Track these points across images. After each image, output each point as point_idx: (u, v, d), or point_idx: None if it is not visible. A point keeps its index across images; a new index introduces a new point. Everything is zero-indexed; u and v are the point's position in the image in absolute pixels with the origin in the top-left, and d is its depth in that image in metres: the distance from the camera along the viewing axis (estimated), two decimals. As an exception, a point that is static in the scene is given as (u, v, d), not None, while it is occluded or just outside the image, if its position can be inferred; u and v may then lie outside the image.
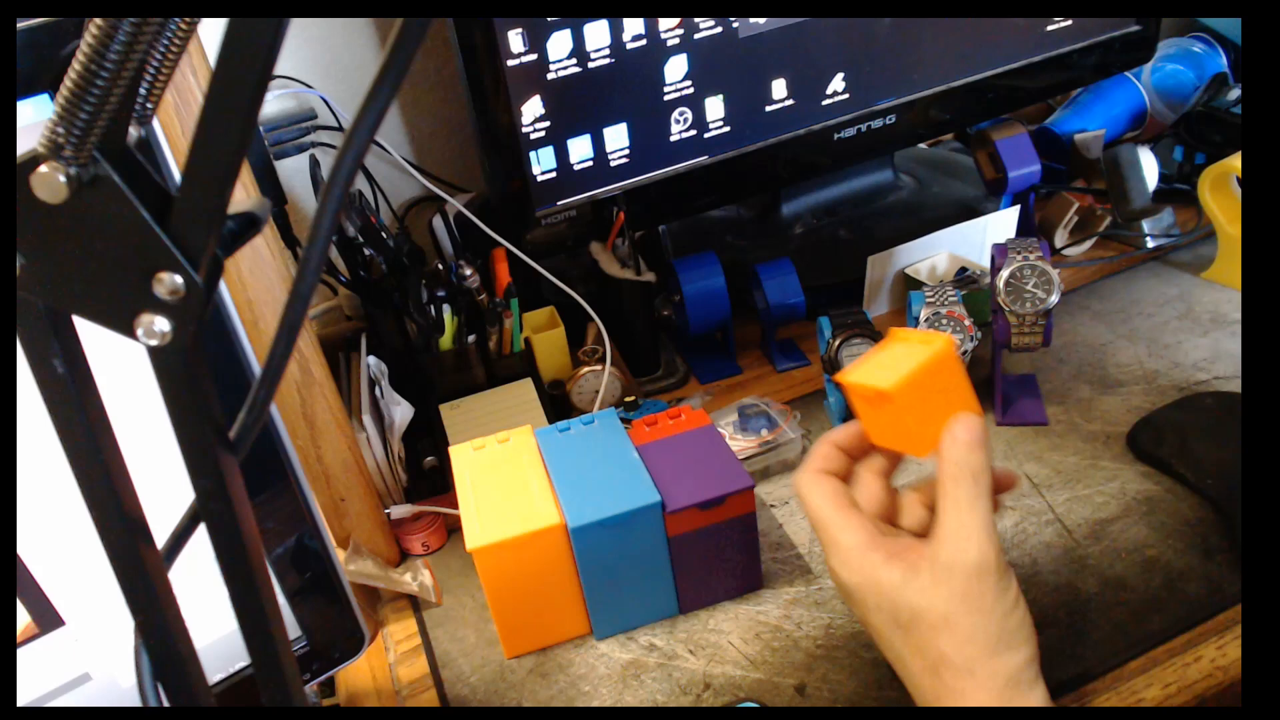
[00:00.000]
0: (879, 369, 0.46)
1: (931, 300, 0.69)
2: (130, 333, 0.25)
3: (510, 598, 0.57)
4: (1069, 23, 0.88)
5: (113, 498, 0.29)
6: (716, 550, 0.58)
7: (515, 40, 0.70)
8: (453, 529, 0.71)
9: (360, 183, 0.84)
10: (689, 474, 0.57)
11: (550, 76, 0.72)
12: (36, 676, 0.45)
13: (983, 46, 0.87)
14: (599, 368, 0.77)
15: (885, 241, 0.84)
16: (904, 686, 0.45)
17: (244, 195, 0.53)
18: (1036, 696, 0.42)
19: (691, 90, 0.77)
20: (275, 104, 0.79)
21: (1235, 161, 0.78)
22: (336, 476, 0.62)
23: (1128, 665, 0.52)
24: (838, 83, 0.83)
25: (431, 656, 0.61)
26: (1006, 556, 0.43)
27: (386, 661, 0.62)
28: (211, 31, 0.24)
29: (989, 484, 0.43)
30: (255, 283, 0.54)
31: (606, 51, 0.73)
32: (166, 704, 0.33)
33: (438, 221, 0.83)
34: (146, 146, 0.25)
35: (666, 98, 0.77)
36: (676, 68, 0.76)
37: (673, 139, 0.79)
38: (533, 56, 0.71)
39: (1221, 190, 0.79)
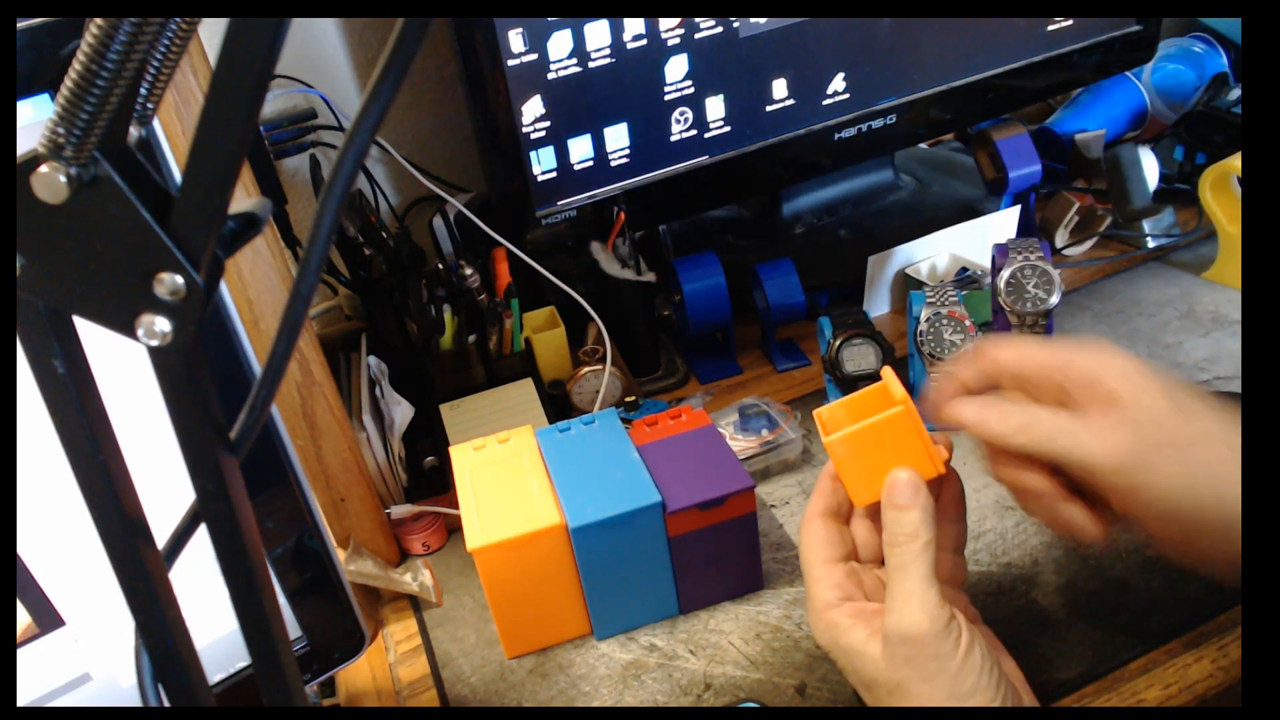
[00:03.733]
0: (853, 409, 0.49)
1: (932, 300, 0.68)
2: (130, 333, 0.25)
3: (510, 598, 0.57)
4: (1069, 23, 0.88)
5: (113, 498, 0.29)
6: (717, 550, 0.58)
7: (515, 40, 0.70)
8: (453, 529, 0.71)
9: (360, 183, 0.84)
10: (689, 474, 0.57)
11: (550, 76, 0.72)
12: (36, 676, 0.45)
13: (983, 46, 0.87)
14: (599, 368, 0.77)
15: (885, 241, 0.84)
16: None
17: (244, 195, 0.53)
18: None
19: (692, 90, 0.77)
20: (275, 104, 0.79)
21: (1235, 161, 0.78)
22: (336, 476, 0.62)
23: (1128, 665, 0.52)
24: (838, 83, 0.83)
25: (431, 656, 0.61)
26: (946, 614, 0.42)
27: (386, 661, 0.62)
28: (211, 31, 0.24)
29: (926, 542, 0.43)
30: (255, 283, 0.54)
31: (607, 51, 0.73)
32: (166, 704, 0.33)
33: (438, 221, 0.83)
34: (146, 146, 0.25)
35: (667, 98, 0.77)
36: (677, 68, 0.76)
37: (673, 139, 0.79)
38: (533, 56, 0.71)
39: (1222, 190, 0.79)
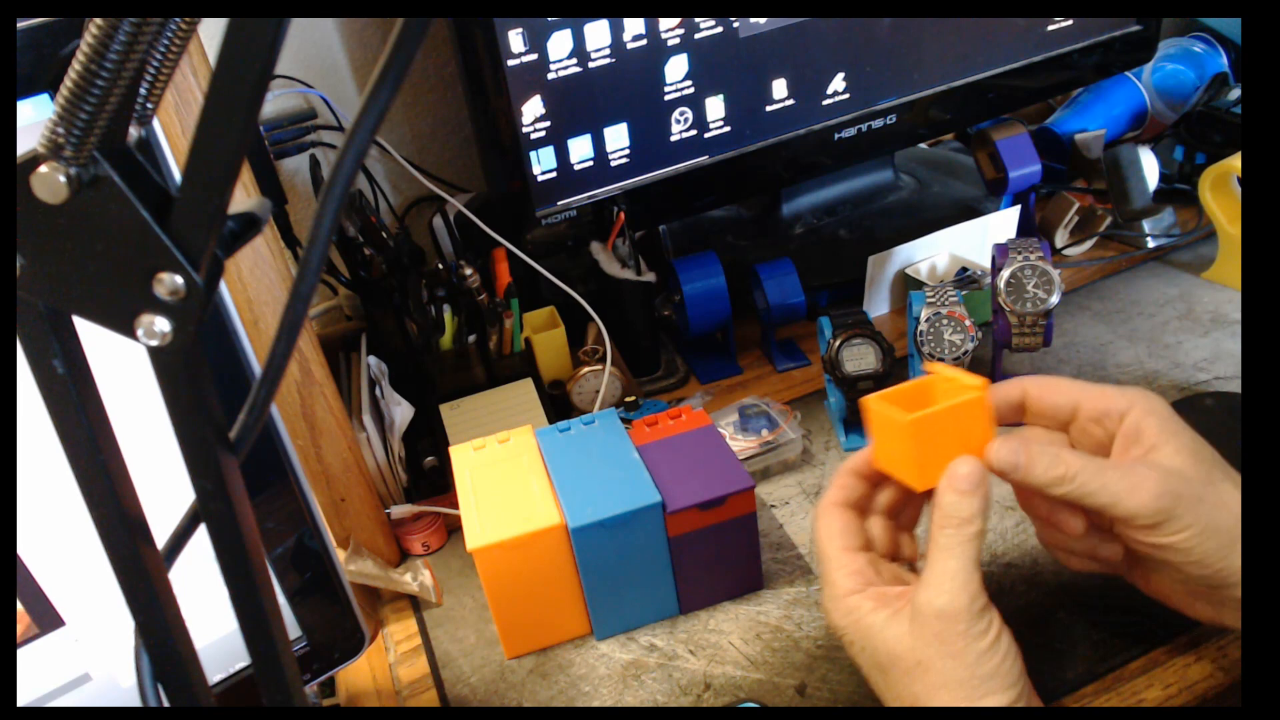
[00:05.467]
0: (905, 398, 0.47)
1: (932, 300, 0.69)
2: (130, 333, 0.25)
3: (510, 598, 0.57)
4: (1069, 23, 0.88)
5: (113, 498, 0.29)
6: (717, 550, 0.58)
7: (515, 40, 0.70)
8: (453, 529, 0.71)
9: (360, 183, 0.84)
10: (689, 474, 0.57)
11: (550, 76, 0.72)
12: (36, 676, 0.45)
13: (983, 46, 0.87)
14: (599, 368, 0.77)
15: (885, 241, 0.84)
16: None
17: (244, 195, 0.53)
18: None
19: (692, 90, 0.77)
20: (275, 104, 0.79)
21: (1235, 161, 0.78)
22: (336, 476, 0.62)
23: (1128, 665, 0.52)
24: (838, 83, 0.83)
25: (431, 656, 0.61)
26: (984, 600, 0.43)
27: (386, 661, 0.62)
28: (211, 31, 0.24)
29: (978, 530, 0.44)
30: (255, 283, 0.54)
31: (607, 51, 0.73)
32: (166, 704, 0.33)
33: (438, 221, 0.83)
34: (146, 146, 0.25)
35: (667, 98, 0.77)
36: (677, 68, 0.76)
37: (673, 139, 0.79)
38: (533, 56, 0.71)
39: (1222, 190, 0.79)
